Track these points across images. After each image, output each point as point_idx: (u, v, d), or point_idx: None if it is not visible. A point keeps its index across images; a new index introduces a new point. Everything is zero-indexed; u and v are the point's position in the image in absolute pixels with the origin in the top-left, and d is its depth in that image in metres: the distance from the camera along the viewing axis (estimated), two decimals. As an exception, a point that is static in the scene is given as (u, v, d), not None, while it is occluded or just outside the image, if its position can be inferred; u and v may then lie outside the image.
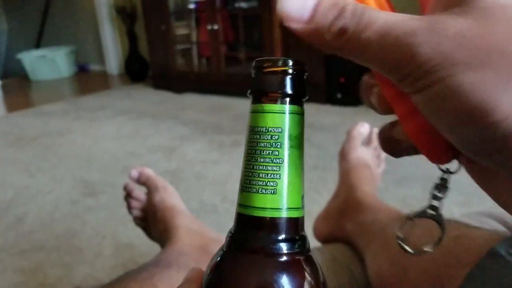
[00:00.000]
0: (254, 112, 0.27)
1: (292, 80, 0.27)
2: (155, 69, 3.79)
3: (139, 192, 0.85)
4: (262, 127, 0.26)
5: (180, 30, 3.60)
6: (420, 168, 1.64)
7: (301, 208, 0.27)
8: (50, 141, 2.55)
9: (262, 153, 0.26)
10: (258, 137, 0.26)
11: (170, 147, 2.27)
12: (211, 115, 2.84)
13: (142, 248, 1.34)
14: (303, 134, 0.28)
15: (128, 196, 0.86)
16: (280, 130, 0.26)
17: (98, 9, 4.77)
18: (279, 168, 0.26)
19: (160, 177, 0.84)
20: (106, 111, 3.19)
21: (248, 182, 0.26)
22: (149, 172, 0.84)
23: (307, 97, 0.28)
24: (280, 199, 0.26)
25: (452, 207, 1.38)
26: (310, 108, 2.23)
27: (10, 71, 6.40)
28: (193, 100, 3.31)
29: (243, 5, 3.01)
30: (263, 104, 0.27)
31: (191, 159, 2.07)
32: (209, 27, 3.17)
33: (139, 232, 1.43)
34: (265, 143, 0.26)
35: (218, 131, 2.48)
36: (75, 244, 1.40)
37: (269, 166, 0.26)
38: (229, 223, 0.28)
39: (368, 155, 0.81)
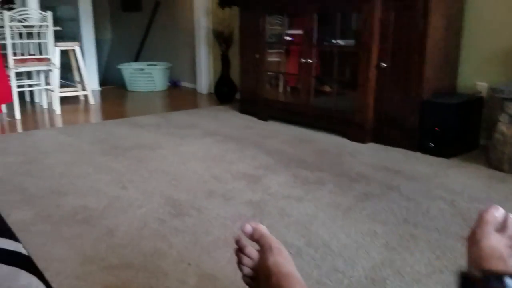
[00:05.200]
0: None
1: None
2: (244, 94, 3.88)
3: (252, 250, 0.84)
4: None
5: (271, 59, 3.67)
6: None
7: None
8: (142, 154, 2.68)
9: None
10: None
11: (254, 176, 2.29)
12: (295, 147, 2.84)
13: (226, 282, 1.35)
14: None
15: (240, 251, 0.86)
16: None
17: (197, 31, 5.00)
18: None
19: (274, 237, 0.83)
20: (194, 130, 3.30)
21: None
22: (263, 229, 0.84)
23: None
24: None
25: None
26: (399, 153, 2.18)
27: (109, 79, 6.87)
28: (277, 129, 3.33)
29: (340, 42, 3.01)
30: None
31: (274, 192, 2.07)
32: (302, 59, 3.20)
33: (223, 264, 1.44)
34: None
35: (302, 165, 2.46)
36: (161, 266, 1.44)
37: None
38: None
39: (502, 245, 0.74)
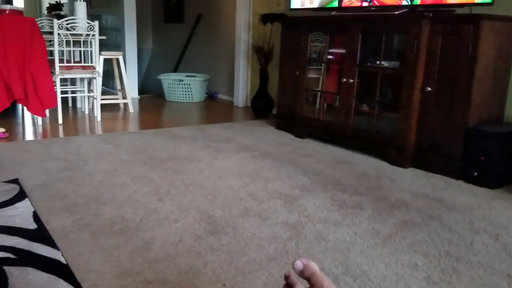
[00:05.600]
0: None
1: None
2: (281, 109, 3.87)
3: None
4: None
5: (310, 76, 3.65)
6: None
7: None
8: (179, 166, 2.70)
9: None
10: None
11: (290, 196, 2.26)
12: (332, 167, 2.79)
13: (261, 307, 1.32)
14: None
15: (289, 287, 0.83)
16: None
17: (237, 45, 5.04)
18: None
19: (325, 276, 0.80)
20: (230, 144, 3.31)
21: None
22: (315, 267, 0.81)
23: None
24: None
25: None
26: (440, 181, 2.10)
27: (147, 88, 7.01)
28: (314, 148, 3.29)
29: (385, 63, 2.96)
30: None
31: (311, 215, 2.04)
32: (344, 79, 3.17)
33: (258, 287, 1.41)
34: None
35: (340, 187, 2.42)
36: (196, 285, 1.43)
37: None
38: None
39: None
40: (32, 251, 1.58)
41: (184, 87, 5.36)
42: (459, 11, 2.72)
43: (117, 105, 4.90)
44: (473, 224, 1.99)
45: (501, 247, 1.77)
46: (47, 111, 3.94)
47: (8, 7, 3.83)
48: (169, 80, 5.42)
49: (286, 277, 0.83)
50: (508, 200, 2.33)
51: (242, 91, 5.16)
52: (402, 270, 1.56)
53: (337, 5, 3.36)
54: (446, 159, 2.66)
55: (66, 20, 3.95)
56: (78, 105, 4.79)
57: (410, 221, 1.99)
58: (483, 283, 1.50)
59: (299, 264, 0.79)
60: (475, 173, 2.52)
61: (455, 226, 1.96)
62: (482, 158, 2.48)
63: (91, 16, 5.03)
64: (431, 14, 2.64)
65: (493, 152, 2.46)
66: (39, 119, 3.85)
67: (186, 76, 5.57)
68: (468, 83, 2.52)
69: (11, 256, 1.54)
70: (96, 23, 4.04)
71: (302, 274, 0.79)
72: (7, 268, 1.46)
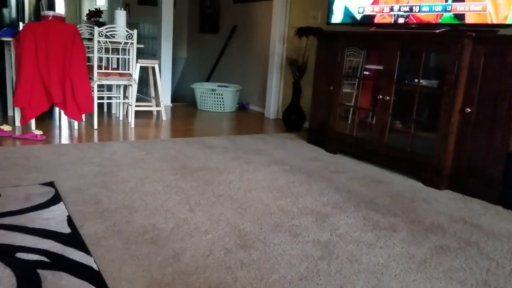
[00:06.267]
0: None
1: None
2: (313, 124, 3.84)
3: None
4: None
5: (344, 91, 3.61)
6: None
7: None
8: (210, 177, 2.70)
9: None
10: None
11: (322, 213, 2.23)
12: (365, 186, 2.74)
13: (292, 328, 1.29)
14: None
15: None
16: None
17: (271, 56, 5.05)
18: None
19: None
20: (261, 156, 3.30)
21: None
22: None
23: None
24: None
25: None
26: (478, 205, 2.03)
27: (179, 96, 7.09)
28: (347, 164, 3.25)
29: (423, 82, 2.90)
30: None
31: (343, 234, 1.99)
32: (380, 96, 3.12)
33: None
34: None
35: (373, 207, 2.36)
36: (226, 300, 1.41)
37: None
38: None
39: None
40: (66, 255, 1.60)
41: (216, 97, 5.40)
42: (502, 32, 2.64)
43: (150, 112, 4.97)
44: (513, 253, 1.90)
45: (543, 280, 1.69)
46: (83, 116, 4.03)
47: (51, 13, 3.95)
48: (201, 89, 5.47)
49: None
50: (551, 229, 2.23)
51: (273, 103, 5.15)
52: (438, 298, 1.51)
53: (367, 20, 3.32)
54: (484, 183, 2.57)
55: (106, 28, 4.05)
56: (113, 111, 4.89)
57: (446, 246, 1.93)
58: (525, 317, 1.43)
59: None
60: (515, 199, 2.42)
61: (493, 254, 1.88)
62: (524, 184, 2.39)
63: (129, 24, 5.13)
64: (473, 34, 2.58)
65: (535, 178, 2.37)
66: (75, 123, 3.94)
67: (219, 86, 5.61)
68: (510, 105, 2.43)
69: (45, 259, 1.56)
70: (135, 32, 4.12)
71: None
72: (41, 272, 1.48)
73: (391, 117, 3.10)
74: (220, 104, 5.41)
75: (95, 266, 1.55)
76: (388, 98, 3.06)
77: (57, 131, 3.79)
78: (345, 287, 0.78)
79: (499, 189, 2.50)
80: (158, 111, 4.87)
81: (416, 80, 2.93)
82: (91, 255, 1.62)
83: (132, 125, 4.21)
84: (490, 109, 2.53)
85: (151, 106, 4.88)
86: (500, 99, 2.48)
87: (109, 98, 4.81)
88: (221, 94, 5.38)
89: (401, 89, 3.04)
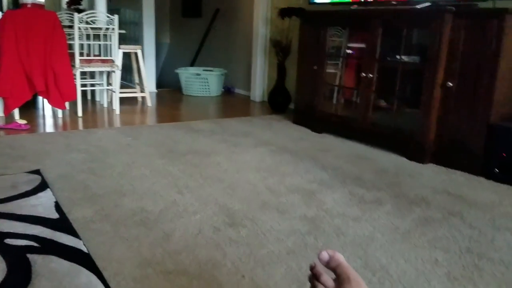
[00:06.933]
0: None
1: None
2: (299, 104, 3.85)
3: (328, 278, 0.81)
4: None
5: (328, 71, 3.63)
6: None
7: None
8: (197, 160, 2.71)
9: None
10: None
11: (309, 190, 2.26)
12: (350, 163, 2.78)
13: (281, 299, 1.32)
14: None
15: (315, 279, 0.83)
16: None
17: (255, 39, 5.04)
18: None
19: (352, 268, 0.79)
20: (248, 138, 3.31)
21: None
22: (341, 258, 0.81)
23: None
24: None
25: None
26: (460, 177, 2.07)
27: (164, 82, 7.05)
28: (332, 143, 3.28)
29: (405, 58, 2.93)
30: None
31: (329, 209, 2.03)
32: (363, 74, 3.14)
33: (277, 280, 1.42)
34: None
35: (358, 183, 2.40)
36: (215, 276, 1.44)
37: None
38: None
39: None
40: (55, 240, 1.61)
41: (201, 81, 5.38)
42: (482, 5, 2.67)
43: (135, 98, 4.94)
44: (494, 221, 1.96)
45: (523, 245, 1.74)
46: (67, 104, 4.00)
47: (30, 0, 3.88)
48: (186, 74, 5.45)
49: (312, 268, 0.83)
50: (531, 197, 2.29)
51: (259, 85, 5.15)
52: (422, 265, 1.55)
53: (357, -1, 3.33)
54: (467, 155, 2.62)
55: (86, 14, 3.99)
56: (97, 99, 4.85)
57: (430, 217, 1.97)
58: (505, 280, 1.48)
59: (325, 255, 0.79)
60: (497, 170, 2.48)
61: (476, 222, 1.94)
62: (504, 154, 2.44)
63: (110, 10, 5.06)
64: (453, 8, 2.60)
65: (515, 149, 2.42)
66: (59, 112, 3.91)
67: (204, 70, 5.59)
68: (490, 79, 2.47)
69: (35, 244, 1.57)
70: (116, 17, 4.07)
71: (328, 264, 0.79)
72: (30, 256, 1.48)
73: (375, 94, 3.13)
74: (206, 89, 5.40)
75: (84, 249, 1.56)
76: (371, 75, 3.09)
77: (41, 120, 3.75)
78: (324, 252, 0.80)
79: (481, 160, 2.56)
80: (143, 97, 4.84)
81: (398, 57, 2.96)
82: (80, 239, 1.64)
83: (117, 112, 4.18)
84: (471, 83, 2.57)
85: (135, 92, 4.84)
86: (481, 72, 2.52)
87: (92, 85, 4.77)
88: (206, 78, 5.37)
89: (384, 67, 3.07)
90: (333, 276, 0.79)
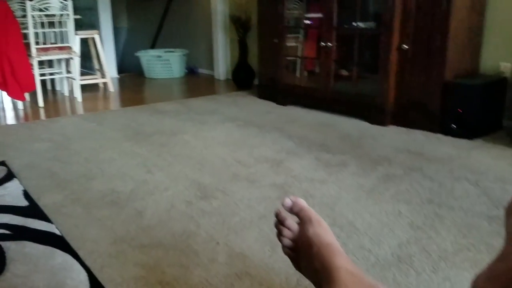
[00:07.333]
0: None
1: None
2: (262, 79, 3.88)
3: (292, 222, 0.86)
4: None
5: (289, 43, 3.66)
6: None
7: None
8: (165, 139, 2.72)
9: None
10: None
11: (277, 160, 2.31)
12: (315, 131, 2.84)
13: (254, 259, 1.38)
14: None
15: (280, 224, 0.88)
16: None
17: (214, 16, 5.00)
18: None
19: (313, 210, 0.85)
20: (214, 116, 3.33)
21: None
22: (302, 203, 0.86)
23: None
24: None
25: None
26: (420, 136, 2.18)
27: (126, 66, 6.92)
28: (297, 114, 3.34)
29: (361, 24, 2.99)
30: None
31: (297, 175, 2.09)
32: (322, 43, 3.19)
33: (250, 243, 1.47)
34: None
35: (324, 148, 2.47)
36: (191, 245, 1.48)
37: None
38: None
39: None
40: (27, 226, 1.61)
41: (163, 63, 5.32)
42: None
43: (97, 85, 4.85)
44: (453, 173, 2.07)
45: (481, 192, 1.85)
46: (26, 95, 3.90)
47: (-24, -9, 3.73)
48: (147, 57, 5.38)
49: (277, 215, 0.88)
50: (486, 148, 2.42)
51: (222, 63, 5.14)
52: (386, 218, 1.63)
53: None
54: (425, 114, 2.73)
55: (38, 1, 3.87)
56: (58, 88, 4.73)
57: (392, 174, 2.06)
58: (465, 224, 1.58)
59: (288, 201, 0.84)
60: (454, 126, 2.59)
61: (436, 175, 2.04)
62: (460, 110, 2.56)
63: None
64: (404, -28, 2.66)
65: (470, 104, 2.54)
66: (20, 103, 3.81)
67: (165, 52, 5.52)
68: (443, 38, 2.56)
69: (6, 232, 1.57)
70: (69, 2, 3.97)
71: (291, 210, 0.85)
72: (3, 243, 1.48)
73: (335, 63, 3.19)
74: (168, 70, 5.34)
75: (57, 232, 1.57)
76: (330, 44, 3.14)
77: (1, 113, 3.66)
78: (287, 199, 0.85)
79: (439, 118, 2.67)
80: (104, 83, 4.76)
81: (355, 24, 3.01)
82: (52, 223, 1.64)
83: (79, 100, 4.11)
84: (426, 44, 2.65)
85: (96, 78, 4.76)
86: (433, 32, 2.60)
87: (51, 74, 4.65)
88: (168, 60, 5.31)
89: (342, 34, 3.12)
90: (297, 220, 0.85)
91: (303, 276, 0.87)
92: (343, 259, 0.73)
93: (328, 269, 0.71)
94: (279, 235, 0.89)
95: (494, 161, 2.22)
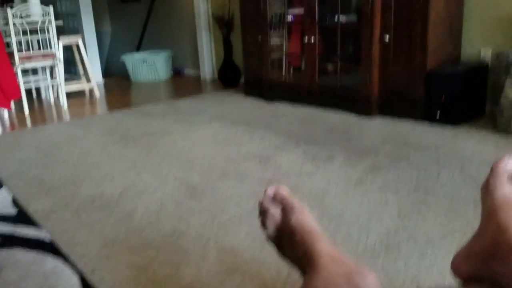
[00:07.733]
0: None
1: None
2: (248, 77, 3.89)
3: (275, 210, 0.88)
4: None
5: (273, 40, 3.67)
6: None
7: None
8: (153, 141, 2.72)
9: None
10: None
11: (265, 156, 2.33)
12: (302, 126, 2.86)
13: (245, 254, 1.39)
14: None
15: (263, 213, 0.90)
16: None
17: (197, 16, 4.99)
18: None
19: (295, 198, 0.86)
20: (202, 115, 3.33)
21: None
22: (285, 191, 0.87)
23: None
24: None
25: None
26: (406, 125, 2.20)
27: (111, 70, 6.89)
28: (284, 110, 3.35)
29: (342, 19, 3.01)
30: None
31: (286, 170, 2.11)
32: (305, 39, 3.20)
33: (240, 239, 1.49)
34: None
35: (311, 143, 2.49)
36: (181, 244, 1.48)
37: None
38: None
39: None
40: (16, 233, 1.61)
41: (148, 66, 5.31)
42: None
43: (83, 91, 4.83)
44: (438, 160, 2.09)
45: (466, 177, 1.88)
46: (12, 104, 3.87)
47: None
48: (132, 60, 5.36)
49: (260, 203, 0.89)
50: (471, 134, 2.45)
51: (208, 63, 5.14)
52: (374, 208, 1.65)
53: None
54: (409, 104, 2.76)
55: (19, 8, 3.84)
56: (43, 95, 4.70)
57: (379, 165, 2.09)
58: (451, 209, 1.60)
59: (270, 190, 0.85)
60: (438, 113, 2.62)
61: (422, 163, 2.06)
62: (443, 98, 2.59)
63: (44, 2, 4.86)
64: (382, -36, 2.69)
65: (453, 92, 2.57)
66: (5, 112, 3.78)
67: (150, 54, 5.50)
68: (423, 28, 2.59)
69: (-4, 241, 1.56)
70: (50, 7, 3.94)
71: (273, 198, 0.86)
72: (-7, 252, 1.48)
73: (319, 57, 3.21)
74: (154, 73, 5.33)
75: (47, 238, 1.57)
76: (313, 39, 3.16)
77: (-14, 124, 3.63)
78: (269, 188, 0.87)
79: (423, 107, 2.69)
80: (90, 89, 4.74)
81: (336, 18, 3.03)
82: (42, 229, 1.64)
83: (65, 106, 4.09)
84: (406, 34, 2.68)
85: (81, 84, 4.73)
86: (413, 23, 2.63)
87: (36, 82, 4.62)
88: (153, 62, 5.30)
89: (325, 28, 3.14)
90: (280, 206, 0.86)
91: (293, 269, 0.88)
92: (325, 244, 0.74)
93: (310, 255, 0.72)
94: (263, 224, 0.90)
95: (478, 146, 2.26)
